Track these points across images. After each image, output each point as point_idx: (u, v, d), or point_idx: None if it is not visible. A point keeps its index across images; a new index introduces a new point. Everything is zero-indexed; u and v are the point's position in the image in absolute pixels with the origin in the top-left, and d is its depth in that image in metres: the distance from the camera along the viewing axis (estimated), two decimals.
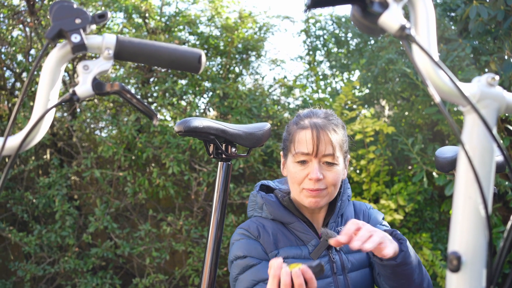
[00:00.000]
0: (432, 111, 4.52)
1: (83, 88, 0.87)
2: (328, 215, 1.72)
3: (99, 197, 4.56)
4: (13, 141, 0.87)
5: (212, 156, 1.62)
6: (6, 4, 4.92)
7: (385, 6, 0.71)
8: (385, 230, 1.47)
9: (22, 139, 0.86)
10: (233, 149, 1.63)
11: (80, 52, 0.86)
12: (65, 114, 4.89)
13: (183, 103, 4.88)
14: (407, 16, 0.76)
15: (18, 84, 5.15)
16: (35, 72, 4.66)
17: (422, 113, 4.81)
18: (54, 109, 0.88)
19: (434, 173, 4.44)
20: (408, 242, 1.48)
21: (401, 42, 4.62)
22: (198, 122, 1.51)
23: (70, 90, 0.87)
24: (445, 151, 1.67)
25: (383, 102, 5.75)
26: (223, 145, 1.62)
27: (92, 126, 4.97)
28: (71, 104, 0.98)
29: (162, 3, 5.01)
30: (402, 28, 0.70)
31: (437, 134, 5.00)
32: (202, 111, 4.96)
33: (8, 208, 4.64)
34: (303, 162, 1.62)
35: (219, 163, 1.66)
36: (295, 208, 1.69)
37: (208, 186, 4.40)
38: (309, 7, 0.71)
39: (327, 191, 1.62)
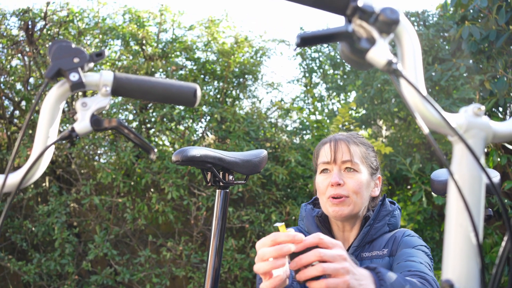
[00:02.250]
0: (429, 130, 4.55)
1: (82, 124, 0.89)
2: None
3: (98, 223, 4.56)
4: (14, 178, 0.89)
5: (210, 184, 1.64)
6: (5, 34, 4.99)
7: (372, 42, 0.74)
8: (366, 267, 1.20)
9: (22, 176, 0.88)
10: (231, 177, 1.66)
11: (78, 90, 0.88)
12: (64, 141, 4.92)
13: (181, 128, 4.91)
14: (394, 50, 0.79)
15: (17, 113, 5.18)
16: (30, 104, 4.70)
17: (419, 133, 4.84)
18: (53, 146, 0.90)
19: (433, 193, 4.44)
20: (391, 281, 1.20)
21: (388, 76, 4.67)
22: (195, 151, 1.54)
23: (69, 127, 0.89)
24: (440, 174, 1.69)
25: (380, 123, 5.78)
26: (221, 173, 1.65)
27: (90, 152, 4.99)
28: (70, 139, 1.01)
29: (159, 30, 5.08)
30: (389, 63, 0.72)
31: (435, 154, 5.02)
32: (200, 135, 4.98)
33: (7, 237, 4.62)
34: (325, 171, 1.70)
35: (217, 190, 1.68)
36: (325, 226, 1.74)
37: (208, 210, 4.40)
38: (299, 45, 0.73)
39: (350, 200, 1.64)
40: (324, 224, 1.74)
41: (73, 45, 0.89)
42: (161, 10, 5.06)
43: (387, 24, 0.73)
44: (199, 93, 0.96)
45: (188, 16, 6.00)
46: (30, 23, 4.75)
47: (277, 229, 1.15)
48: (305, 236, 1.63)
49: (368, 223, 1.70)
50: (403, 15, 0.75)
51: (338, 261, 1.09)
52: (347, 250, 1.68)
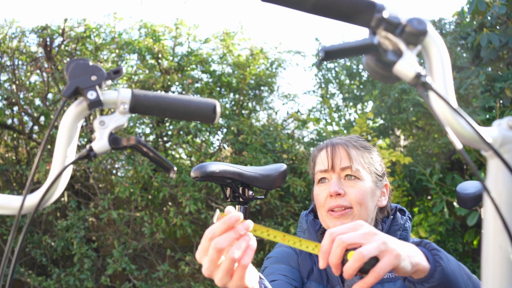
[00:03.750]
0: (449, 140, 4.47)
1: (100, 143, 0.87)
2: None
3: (116, 238, 4.55)
4: (32, 200, 0.87)
5: (229, 200, 1.61)
6: (24, 51, 5.06)
7: (399, 54, 0.71)
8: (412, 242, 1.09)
9: (41, 198, 0.86)
10: (250, 192, 1.62)
11: (96, 108, 0.87)
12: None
13: (198, 140, 4.91)
14: (421, 62, 0.76)
15: (36, 128, 5.23)
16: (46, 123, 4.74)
17: (438, 142, 4.76)
18: (71, 166, 0.88)
19: (455, 203, 4.35)
20: (446, 254, 1.09)
21: (416, 90, 4.64)
22: (215, 167, 1.51)
23: (87, 146, 0.87)
24: (467, 187, 1.63)
25: (398, 132, 5.71)
26: (240, 188, 1.62)
27: (108, 167, 5.01)
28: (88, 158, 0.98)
29: (174, 43, 5.10)
30: (418, 76, 0.69)
31: (456, 163, 4.93)
32: (217, 148, 4.97)
33: (27, 252, 4.64)
34: (323, 181, 1.52)
35: (237, 206, 1.64)
36: None
37: None
38: (323, 59, 0.71)
39: (352, 211, 1.46)
40: None
41: (91, 63, 0.87)
42: (176, 24, 5.08)
43: (415, 35, 0.70)
44: (218, 109, 0.93)
45: (203, 29, 6.01)
46: (48, 39, 4.81)
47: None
48: (309, 253, 1.54)
49: None
50: (431, 25, 0.72)
51: (371, 238, 0.94)
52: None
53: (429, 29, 0.71)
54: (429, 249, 1.07)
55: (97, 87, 0.87)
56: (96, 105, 0.87)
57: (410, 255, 0.98)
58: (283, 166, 1.74)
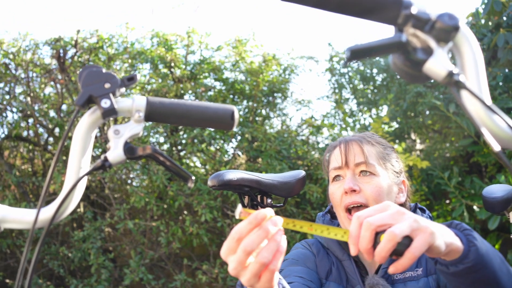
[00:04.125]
0: (467, 142, 4.39)
1: (115, 153, 0.84)
2: None
3: (133, 248, 4.54)
4: (46, 213, 0.84)
5: (247, 208, 1.56)
6: (38, 63, 5.09)
7: (429, 52, 0.67)
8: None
9: (55, 211, 0.83)
10: (269, 200, 1.58)
11: (110, 117, 0.84)
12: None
13: (212, 148, 4.88)
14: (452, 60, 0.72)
15: (51, 140, 5.26)
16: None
17: (455, 145, 4.68)
18: (86, 177, 0.85)
19: (475, 207, 4.26)
20: (478, 235, 1.01)
21: (448, 89, 4.53)
22: (232, 175, 1.47)
23: (102, 157, 0.84)
24: (493, 191, 1.56)
25: (414, 136, 5.64)
26: (258, 196, 1.58)
27: (123, 176, 5.00)
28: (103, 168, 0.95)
29: (186, 52, 5.10)
30: (450, 74, 0.65)
31: (474, 166, 4.84)
32: (231, 156, 4.94)
33: (44, 263, 4.64)
34: (337, 178, 1.48)
35: None
36: (346, 243, 1.43)
37: None
38: (350, 59, 0.67)
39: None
40: (346, 243, 1.44)
41: (104, 70, 0.85)
42: (188, 32, 5.08)
43: (446, 31, 0.66)
44: (236, 115, 0.90)
45: (215, 37, 6.03)
46: (61, 51, 4.83)
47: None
48: (327, 253, 1.50)
49: None
50: (463, 21, 0.67)
51: (401, 218, 0.87)
52: (376, 273, 1.46)
53: (461, 25, 0.67)
54: (461, 230, 1.01)
55: (111, 95, 0.84)
56: (111, 114, 0.84)
57: (443, 234, 0.91)
58: (301, 173, 1.70)
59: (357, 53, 0.67)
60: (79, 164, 0.85)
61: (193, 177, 0.87)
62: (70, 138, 4.21)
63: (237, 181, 1.49)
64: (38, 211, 0.83)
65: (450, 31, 0.66)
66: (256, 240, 0.87)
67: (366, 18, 0.69)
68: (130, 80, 0.86)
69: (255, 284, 0.90)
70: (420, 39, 0.68)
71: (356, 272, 1.47)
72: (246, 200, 1.58)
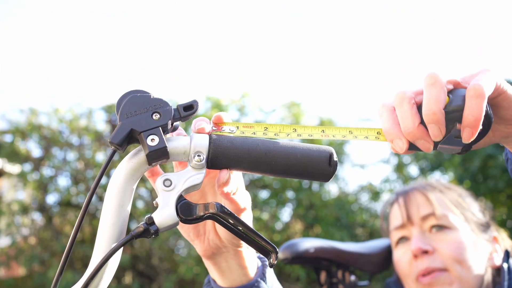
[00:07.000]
0: None
1: (165, 213, 0.58)
2: None
3: None
4: None
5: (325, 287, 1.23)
6: (90, 129, 5.11)
7: None
8: None
9: None
10: (352, 277, 1.23)
11: (159, 160, 0.59)
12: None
13: (264, 216, 4.60)
14: None
15: (101, 206, 5.13)
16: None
17: None
18: (121, 249, 0.59)
19: None
20: None
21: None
22: (308, 244, 1.15)
23: (145, 218, 0.58)
24: None
25: (484, 201, 5.22)
26: (339, 271, 1.24)
27: (171, 243, 4.76)
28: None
29: (240, 114, 4.98)
30: None
31: None
32: (285, 223, 4.65)
33: None
34: (402, 241, 1.16)
35: None
36: None
37: None
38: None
39: (450, 275, 1.06)
40: None
41: (152, 96, 0.60)
42: (242, 96, 4.99)
43: None
44: (335, 158, 0.63)
45: (269, 100, 5.93)
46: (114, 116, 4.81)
47: None
48: None
49: None
50: None
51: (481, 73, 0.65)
52: None
53: None
54: None
55: (161, 130, 0.59)
56: (160, 156, 0.58)
57: None
58: (387, 241, 1.37)
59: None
60: (112, 229, 0.59)
61: (278, 250, 0.59)
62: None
63: (315, 253, 1.16)
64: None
65: None
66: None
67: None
68: (187, 109, 0.61)
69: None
70: None
71: None
72: (323, 276, 1.25)
